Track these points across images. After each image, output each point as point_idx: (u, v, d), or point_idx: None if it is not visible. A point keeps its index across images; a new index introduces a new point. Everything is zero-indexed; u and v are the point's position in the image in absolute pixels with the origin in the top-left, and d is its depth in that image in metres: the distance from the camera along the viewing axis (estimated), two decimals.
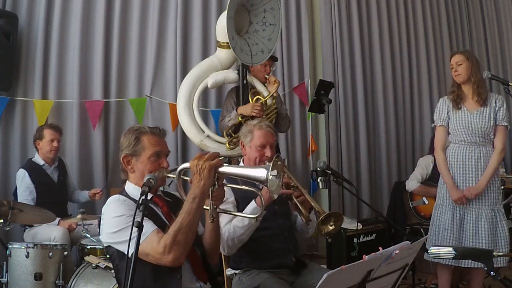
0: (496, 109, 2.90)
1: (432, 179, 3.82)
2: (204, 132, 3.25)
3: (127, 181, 1.86)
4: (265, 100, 3.36)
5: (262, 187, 1.83)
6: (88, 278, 2.61)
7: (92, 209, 3.84)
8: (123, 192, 1.83)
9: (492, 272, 1.67)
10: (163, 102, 4.25)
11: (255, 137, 2.35)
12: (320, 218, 2.10)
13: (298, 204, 2.16)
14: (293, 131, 4.73)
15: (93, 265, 2.62)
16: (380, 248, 1.35)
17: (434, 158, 3.56)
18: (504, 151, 2.93)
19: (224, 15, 2.97)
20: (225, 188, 1.78)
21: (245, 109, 3.28)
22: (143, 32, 4.26)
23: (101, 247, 2.83)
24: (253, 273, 2.22)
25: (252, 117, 3.11)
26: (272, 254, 2.25)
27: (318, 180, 2.89)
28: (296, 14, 4.86)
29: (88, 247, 2.95)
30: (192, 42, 4.39)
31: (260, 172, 1.61)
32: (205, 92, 4.04)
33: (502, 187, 3.68)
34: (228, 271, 2.34)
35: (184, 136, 4.03)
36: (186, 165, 1.71)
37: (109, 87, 4.14)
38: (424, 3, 5.65)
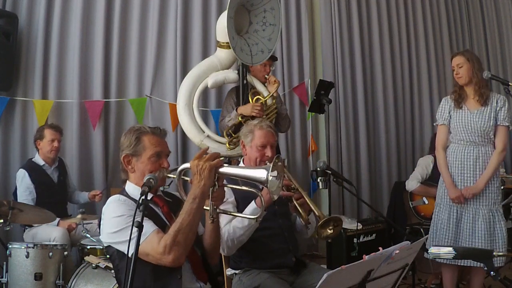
0: (497, 109, 2.90)
1: (432, 179, 3.82)
2: (204, 132, 3.25)
3: (128, 181, 1.86)
4: (265, 100, 3.36)
5: (263, 188, 1.83)
6: (88, 278, 2.61)
7: (92, 209, 3.84)
8: (123, 192, 1.83)
9: (492, 272, 1.67)
10: (163, 102, 4.25)
11: (255, 137, 2.35)
12: (320, 223, 2.10)
13: (298, 207, 2.16)
14: (293, 131, 4.73)
15: (93, 265, 2.62)
16: (380, 248, 1.35)
17: (434, 158, 3.57)
18: (504, 151, 2.92)
19: (224, 15, 2.97)
20: (225, 188, 1.78)
21: (245, 109, 3.28)
22: (143, 32, 4.26)
23: (101, 247, 2.83)
24: (253, 273, 2.22)
25: (252, 117, 3.11)
26: (272, 254, 2.25)
27: (318, 180, 2.89)
28: (296, 14, 4.86)
29: (88, 247, 2.95)
30: (192, 42, 4.39)
31: (260, 173, 1.61)
32: (205, 92, 4.04)
33: (502, 187, 3.68)
34: (228, 271, 2.34)
35: (184, 136, 4.03)
36: (187, 165, 1.71)
37: (109, 87, 4.14)
38: (424, 3, 5.65)
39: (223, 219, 2.14)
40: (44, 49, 3.92)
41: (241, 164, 2.48)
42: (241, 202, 2.23)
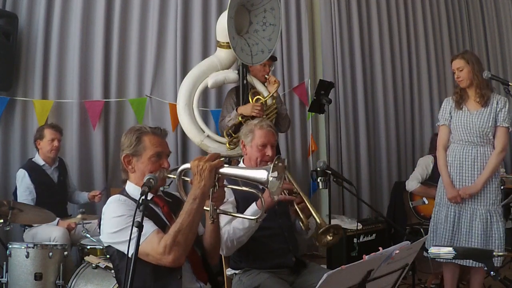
0: (498, 110, 2.90)
1: (432, 179, 3.82)
2: (204, 132, 3.25)
3: (128, 181, 1.86)
4: (265, 100, 3.36)
5: (263, 188, 1.83)
6: (88, 278, 2.61)
7: (92, 209, 3.84)
8: (123, 192, 1.83)
9: (492, 272, 1.67)
10: (163, 102, 4.25)
11: (256, 136, 2.35)
12: (320, 230, 2.10)
13: (299, 211, 2.16)
14: (293, 131, 4.73)
15: (93, 265, 2.62)
16: (380, 248, 1.35)
17: (434, 158, 3.57)
18: (503, 152, 2.92)
19: (224, 15, 2.97)
20: (225, 188, 1.78)
21: (245, 109, 3.28)
22: (143, 32, 4.26)
23: (101, 247, 2.83)
24: (253, 273, 2.22)
25: (252, 117, 3.11)
26: (272, 254, 2.26)
27: (318, 180, 2.88)
28: (296, 14, 4.86)
29: (88, 247, 2.95)
30: (192, 42, 4.39)
31: (260, 174, 1.62)
32: (205, 92, 4.04)
33: (502, 187, 3.68)
34: (228, 271, 2.34)
35: (184, 136, 4.03)
36: (187, 165, 1.71)
37: (109, 87, 4.14)
38: (424, 3, 5.65)
39: (223, 218, 2.14)
40: (44, 49, 3.92)
41: (241, 164, 2.48)
42: (241, 202, 2.23)
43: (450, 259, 1.83)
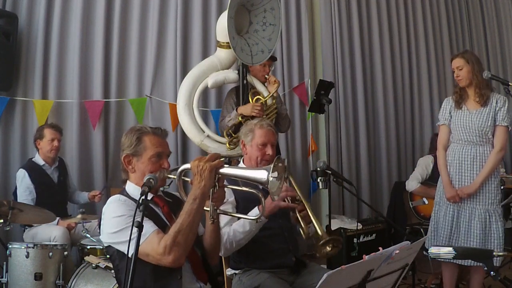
0: (497, 109, 2.90)
1: (432, 179, 3.82)
2: (204, 132, 3.25)
3: (128, 181, 1.86)
4: (265, 100, 3.36)
5: (264, 189, 1.82)
6: (88, 278, 2.61)
7: (92, 209, 3.84)
8: (123, 192, 1.83)
9: (492, 272, 1.67)
10: (163, 102, 4.25)
11: (256, 135, 2.36)
12: (321, 242, 2.10)
13: (300, 219, 2.16)
14: (293, 131, 4.73)
15: (93, 265, 2.62)
16: (380, 248, 1.35)
17: (434, 158, 3.57)
18: (502, 151, 2.92)
19: (224, 15, 2.97)
20: (225, 188, 1.78)
21: (245, 109, 3.28)
22: (143, 32, 4.26)
23: (101, 247, 2.83)
24: (253, 273, 2.22)
25: (252, 117, 3.11)
26: (272, 254, 2.26)
27: (318, 180, 2.88)
28: (296, 14, 4.86)
29: (88, 247, 2.95)
30: (192, 42, 4.39)
31: (260, 174, 1.62)
32: (205, 92, 4.04)
33: (502, 187, 3.68)
34: (228, 271, 2.34)
35: (184, 136, 4.03)
36: (187, 166, 1.71)
37: (109, 87, 4.14)
38: (424, 3, 5.65)
39: (223, 218, 2.14)
40: (44, 49, 3.92)
41: (241, 164, 2.48)
42: (241, 202, 2.23)
43: (450, 259, 1.83)
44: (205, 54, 4.27)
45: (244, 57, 3.12)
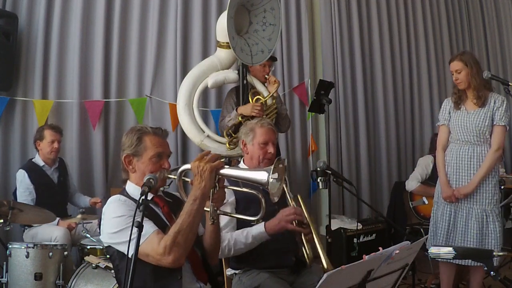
0: (495, 109, 2.91)
1: (432, 179, 3.82)
2: (204, 132, 3.25)
3: (128, 181, 1.86)
4: (265, 100, 3.36)
5: (264, 190, 1.82)
6: (88, 278, 2.61)
7: (92, 210, 3.82)
8: (123, 192, 1.83)
9: (492, 272, 1.68)
10: (163, 102, 4.25)
11: (257, 134, 2.36)
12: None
13: (305, 242, 2.16)
14: (293, 131, 4.73)
15: (93, 265, 2.63)
16: (380, 248, 1.35)
17: (434, 158, 3.57)
18: (499, 151, 2.93)
19: (224, 15, 2.97)
20: (226, 189, 1.78)
21: (245, 109, 3.28)
22: (143, 32, 4.26)
23: (101, 247, 2.83)
24: (253, 273, 2.23)
25: (252, 117, 3.11)
26: (272, 254, 2.25)
27: (318, 180, 2.88)
28: (296, 14, 4.85)
29: (88, 247, 2.95)
30: (192, 42, 4.39)
31: (261, 175, 1.62)
32: (205, 92, 4.04)
33: (502, 187, 3.68)
34: (228, 271, 2.34)
35: (184, 136, 4.03)
36: (187, 166, 1.71)
37: (109, 87, 4.13)
38: (424, 3, 5.65)
39: (223, 218, 2.14)
40: (44, 49, 3.91)
41: (242, 164, 2.48)
42: (242, 202, 2.23)
43: (450, 259, 1.83)
44: (205, 54, 4.27)
45: (244, 57, 3.12)
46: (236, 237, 2.16)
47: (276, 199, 1.68)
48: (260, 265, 2.24)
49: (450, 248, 1.79)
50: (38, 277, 2.75)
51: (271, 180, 1.60)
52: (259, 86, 3.44)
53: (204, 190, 1.64)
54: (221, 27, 3.10)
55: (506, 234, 3.93)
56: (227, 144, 3.25)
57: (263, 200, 1.74)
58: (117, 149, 3.90)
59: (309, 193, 4.76)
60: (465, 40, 5.99)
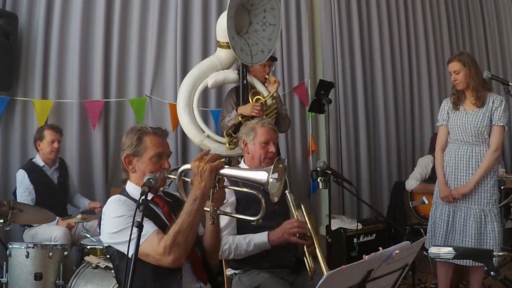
0: (493, 109, 2.91)
1: (432, 179, 3.82)
2: (204, 132, 3.25)
3: (128, 181, 1.86)
4: (265, 100, 3.36)
5: (264, 190, 1.82)
6: (88, 278, 2.61)
7: (92, 211, 3.83)
8: (123, 192, 1.83)
9: (492, 272, 1.68)
10: (163, 102, 4.25)
11: (258, 134, 2.37)
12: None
13: (307, 254, 2.17)
14: (293, 131, 4.73)
15: (93, 265, 2.63)
16: (380, 248, 1.35)
17: (434, 158, 3.57)
18: (497, 151, 2.92)
19: (224, 15, 2.97)
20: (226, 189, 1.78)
21: (245, 109, 3.28)
22: (143, 32, 4.26)
23: (101, 247, 2.83)
24: (253, 273, 2.23)
25: (252, 117, 3.11)
26: (272, 254, 2.25)
27: (318, 180, 2.88)
28: (296, 14, 4.85)
29: (88, 247, 2.95)
30: (192, 42, 4.39)
31: (261, 175, 1.62)
32: (205, 92, 4.04)
33: (502, 187, 3.68)
34: (228, 271, 2.34)
35: (184, 136, 4.03)
36: (187, 166, 1.71)
37: (109, 87, 4.13)
38: (424, 3, 5.65)
39: (223, 219, 2.15)
40: (44, 49, 3.91)
41: (242, 163, 2.48)
42: (242, 202, 2.23)
43: (450, 259, 1.83)
44: (205, 54, 4.27)
45: (244, 57, 3.12)
46: (238, 242, 2.18)
47: (276, 199, 1.68)
48: (260, 265, 2.24)
49: (450, 248, 1.79)
50: (38, 277, 2.75)
51: (271, 180, 1.60)
52: (259, 86, 3.44)
53: (204, 190, 1.64)
54: (221, 27, 3.10)
55: (506, 234, 3.93)
56: (227, 144, 3.25)
57: (263, 200, 1.74)
58: (117, 149, 3.89)
59: (309, 193, 4.76)
60: (465, 40, 6.00)
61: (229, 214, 2.01)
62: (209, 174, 1.63)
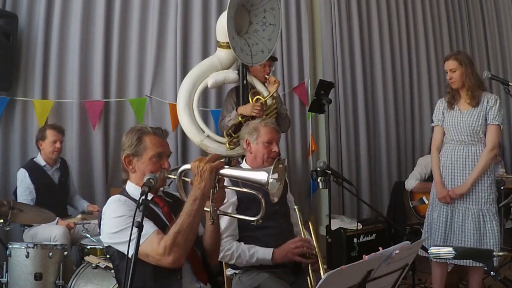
0: (488, 108, 2.91)
1: (431, 178, 3.82)
2: (204, 132, 3.25)
3: (128, 181, 1.86)
4: (265, 100, 3.36)
5: (264, 190, 1.83)
6: (88, 278, 2.61)
7: None
8: (123, 192, 1.83)
9: (492, 272, 1.68)
10: (163, 102, 4.25)
11: (261, 133, 2.37)
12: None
13: (310, 272, 2.17)
14: (293, 131, 4.73)
15: (93, 265, 2.63)
16: (380, 248, 1.35)
17: None
18: (494, 150, 2.92)
19: (224, 15, 2.97)
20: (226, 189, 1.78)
21: (245, 109, 3.28)
22: (143, 32, 4.26)
23: (101, 247, 2.83)
24: (253, 273, 2.23)
25: (252, 117, 3.11)
26: None
27: (318, 180, 2.88)
28: (296, 14, 4.85)
29: (88, 247, 2.95)
30: (192, 42, 4.39)
31: (261, 175, 1.62)
32: (205, 92, 4.04)
33: (502, 187, 3.68)
34: (228, 271, 2.35)
35: (184, 136, 4.03)
36: (187, 166, 1.71)
37: (109, 87, 4.13)
38: (424, 3, 5.65)
39: (223, 222, 2.15)
40: (44, 49, 3.91)
41: (244, 163, 2.48)
42: (243, 202, 2.23)
43: (450, 259, 1.83)
44: (205, 54, 4.27)
45: (244, 57, 3.12)
46: (242, 252, 2.19)
47: (276, 200, 1.68)
48: (260, 265, 2.23)
49: (450, 248, 1.79)
50: (38, 277, 2.75)
51: (271, 180, 1.60)
52: (259, 86, 3.44)
53: (204, 190, 1.64)
54: (221, 27, 3.09)
55: (506, 234, 3.94)
56: (227, 144, 3.25)
57: (263, 201, 1.74)
58: (117, 149, 3.90)
59: (309, 193, 4.76)
60: (465, 40, 6.00)
61: (229, 214, 2.01)
62: (209, 174, 1.63)
